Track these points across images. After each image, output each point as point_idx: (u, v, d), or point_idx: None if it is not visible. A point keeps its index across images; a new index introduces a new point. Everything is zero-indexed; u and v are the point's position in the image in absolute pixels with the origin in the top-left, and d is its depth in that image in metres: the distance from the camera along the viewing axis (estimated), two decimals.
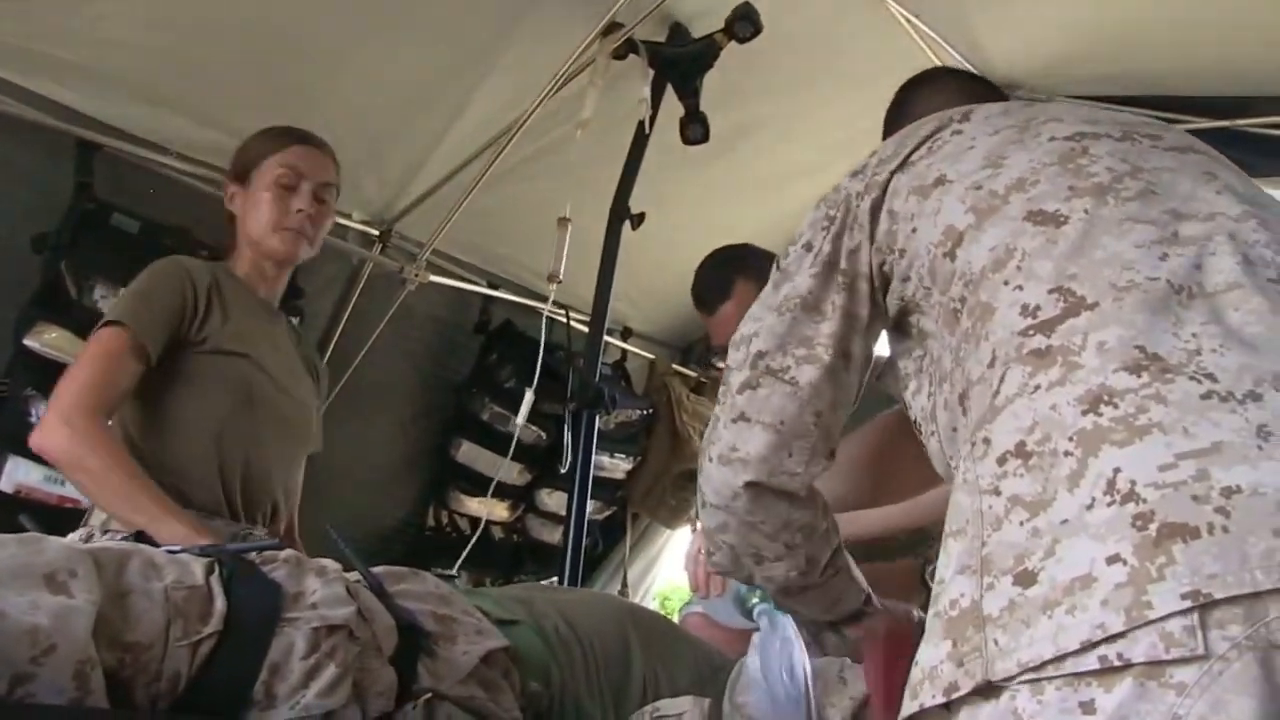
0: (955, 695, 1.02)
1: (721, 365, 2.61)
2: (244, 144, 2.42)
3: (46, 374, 2.76)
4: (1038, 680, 0.97)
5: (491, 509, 3.91)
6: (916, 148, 1.42)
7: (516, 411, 3.69)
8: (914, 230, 1.35)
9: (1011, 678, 0.98)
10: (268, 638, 1.26)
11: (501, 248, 3.82)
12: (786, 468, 1.43)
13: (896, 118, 1.88)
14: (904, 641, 1.78)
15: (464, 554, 3.33)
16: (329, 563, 1.45)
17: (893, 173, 1.41)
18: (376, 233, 3.49)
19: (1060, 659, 0.96)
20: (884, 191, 1.41)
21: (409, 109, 3.15)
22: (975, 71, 3.30)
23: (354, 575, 1.49)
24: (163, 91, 2.81)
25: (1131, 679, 0.94)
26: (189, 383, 2.21)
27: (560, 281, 3.22)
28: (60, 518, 2.74)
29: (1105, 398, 1.05)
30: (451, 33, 2.92)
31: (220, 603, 1.24)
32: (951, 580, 1.10)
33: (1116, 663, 0.94)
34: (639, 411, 4.20)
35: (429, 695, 1.40)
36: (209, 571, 1.28)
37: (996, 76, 3.58)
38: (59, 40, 2.56)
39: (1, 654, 1.02)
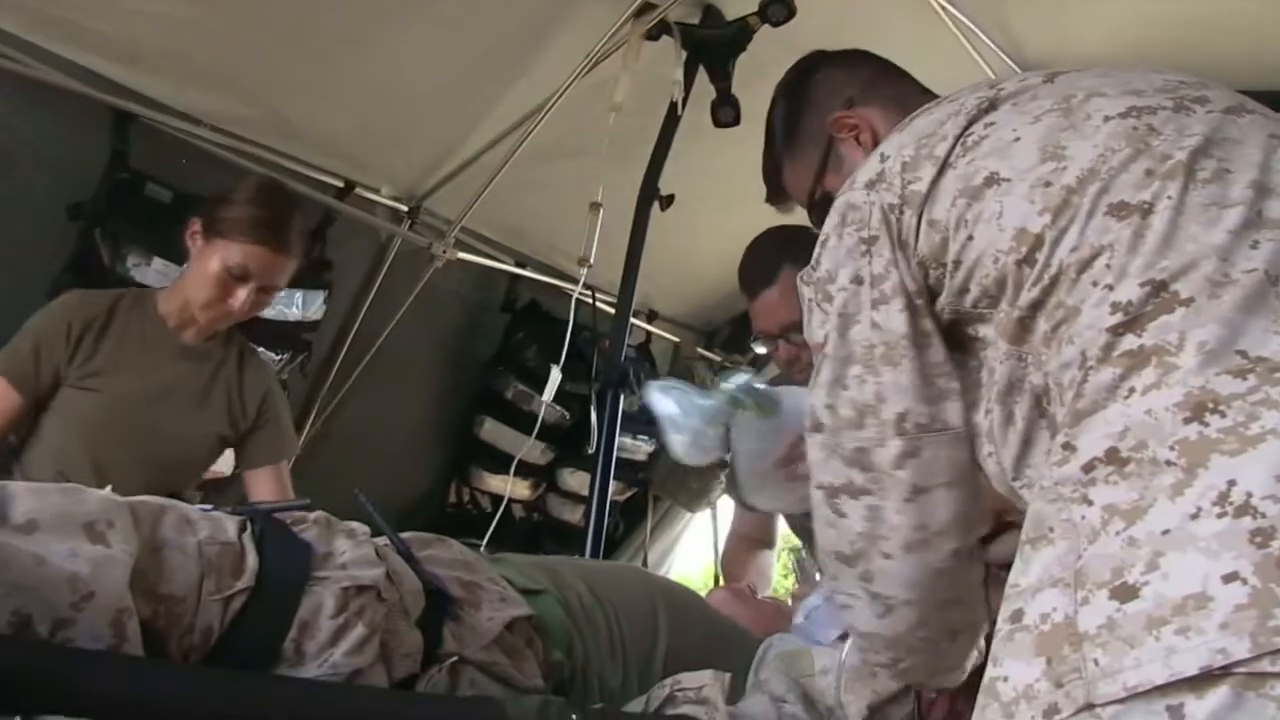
0: (1056, 718, 0.96)
1: (761, 350, 2.61)
2: (229, 198, 2.43)
3: None
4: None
5: (513, 487, 3.93)
6: (952, 148, 1.31)
7: (540, 390, 3.71)
8: (970, 238, 1.25)
9: (1116, 701, 0.93)
10: (298, 595, 1.28)
11: (529, 227, 3.83)
12: (974, 514, 1.35)
13: (804, 93, 1.74)
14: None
15: (489, 532, 3.33)
16: (358, 525, 1.47)
17: (934, 180, 1.30)
18: (405, 209, 3.51)
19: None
20: (923, 201, 1.30)
21: (441, 89, 3.16)
22: (1009, 62, 3.30)
23: (382, 540, 1.51)
24: (198, 64, 2.83)
25: (1228, 687, 0.89)
26: (49, 417, 2.39)
27: (590, 265, 3.22)
28: None
29: (1210, 404, 0.99)
30: (486, 13, 2.93)
31: (252, 559, 1.26)
32: (1039, 592, 1.04)
33: (1215, 669, 0.89)
34: None
35: (454, 659, 1.42)
36: (241, 529, 1.30)
37: (1030, 68, 3.58)
38: (96, 11, 2.58)
39: (43, 599, 1.04)
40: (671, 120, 3.15)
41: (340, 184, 3.33)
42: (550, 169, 3.47)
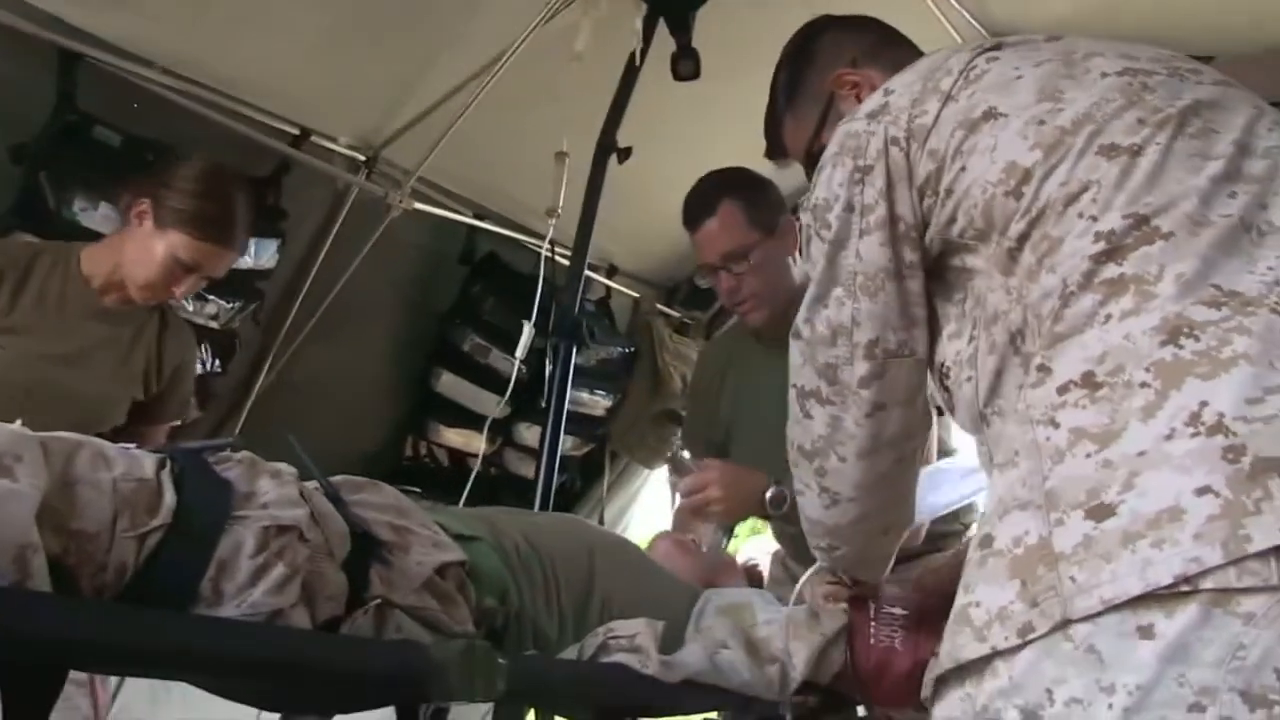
0: (1031, 636, 1.01)
1: (703, 284, 2.63)
2: (178, 184, 2.42)
3: None
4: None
5: (469, 441, 3.92)
6: (955, 80, 1.36)
7: (498, 343, 3.70)
8: (963, 169, 1.31)
9: (1093, 615, 0.97)
10: (216, 534, 1.26)
11: (489, 179, 3.79)
12: (921, 428, 1.48)
13: (809, 52, 1.79)
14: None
15: (466, 490, 3.30)
16: (284, 466, 1.45)
17: (938, 113, 1.34)
18: (363, 158, 3.46)
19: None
20: (926, 133, 1.34)
21: (397, 33, 3.11)
22: (975, 24, 3.28)
23: (313, 484, 1.49)
24: (149, 4, 2.77)
25: (1197, 604, 0.92)
26: None
27: (559, 216, 3.20)
28: None
29: (1185, 329, 1.04)
30: None
31: (170, 497, 1.24)
32: (1006, 516, 1.09)
33: (1184, 588, 0.93)
34: (620, 349, 4.20)
35: (379, 602, 1.41)
36: (160, 467, 1.28)
37: (997, 30, 3.55)
38: None
39: None
40: (630, 72, 3.12)
41: (296, 131, 3.28)
42: (510, 119, 3.43)
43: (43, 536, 1.10)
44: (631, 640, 1.62)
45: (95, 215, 2.77)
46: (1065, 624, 0.98)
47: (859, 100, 1.62)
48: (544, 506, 2.84)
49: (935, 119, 1.34)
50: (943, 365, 1.41)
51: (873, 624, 1.80)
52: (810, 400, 1.47)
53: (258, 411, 3.51)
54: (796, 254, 2.56)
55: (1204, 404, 0.99)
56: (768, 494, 2.22)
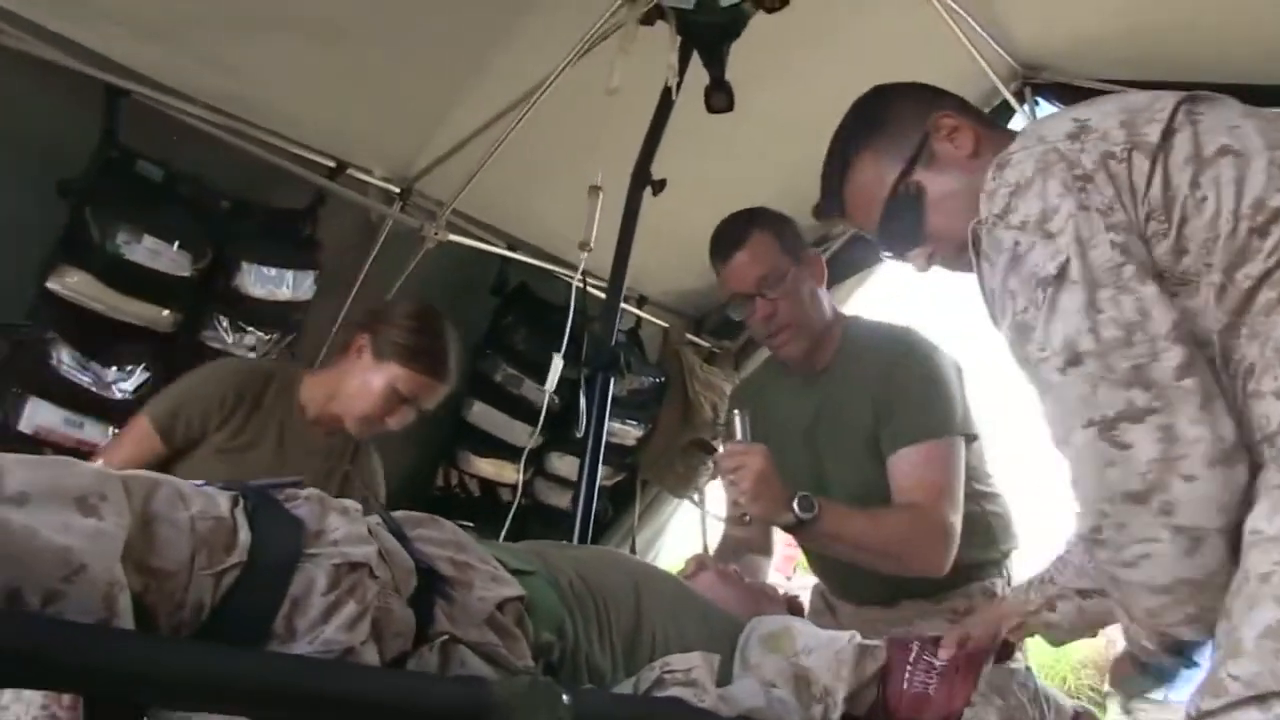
0: None
1: (735, 317, 2.63)
2: (396, 318, 2.57)
3: (68, 317, 2.81)
4: None
5: (501, 470, 3.93)
6: (1173, 117, 1.33)
7: (530, 373, 3.71)
8: (1204, 199, 1.26)
9: None
10: (290, 571, 1.27)
11: (521, 210, 3.82)
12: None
13: (896, 94, 1.79)
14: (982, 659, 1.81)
15: (508, 520, 3.31)
16: (351, 503, 1.46)
17: (1163, 136, 1.30)
18: (397, 190, 3.50)
19: None
20: (1158, 151, 1.30)
21: (433, 66, 3.15)
22: (999, 49, 3.30)
23: (375, 519, 1.50)
24: (190, 40, 2.82)
25: None
26: (181, 469, 2.40)
27: (591, 250, 3.22)
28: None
29: None
30: None
31: (245, 535, 1.25)
32: None
33: None
34: (651, 379, 4.21)
35: (445, 638, 1.41)
36: (234, 504, 1.30)
37: (1020, 55, 3.59)
38: None
39: (33, 572, 1.04)
40: (665, 105, 3.14)
41: (332, 164, 3.32)
42: (543, 152, 3.47)
43: (126, 574, 1.12)
44: (688, 674, 1.63)
45: (139, 249, 2.82)
46: None
47: (954, 145, 1.63)
48: (582, 537, 2.85)
49: (1162, 140, 1.29)
50: None
51: (909, 668, 1.79)
52: (1121, 425, 1.21)
53: None
54: (823, 289, 2.58)
55: None
56: (797, 497, 2.23)
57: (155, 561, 1.18)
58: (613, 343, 3.07)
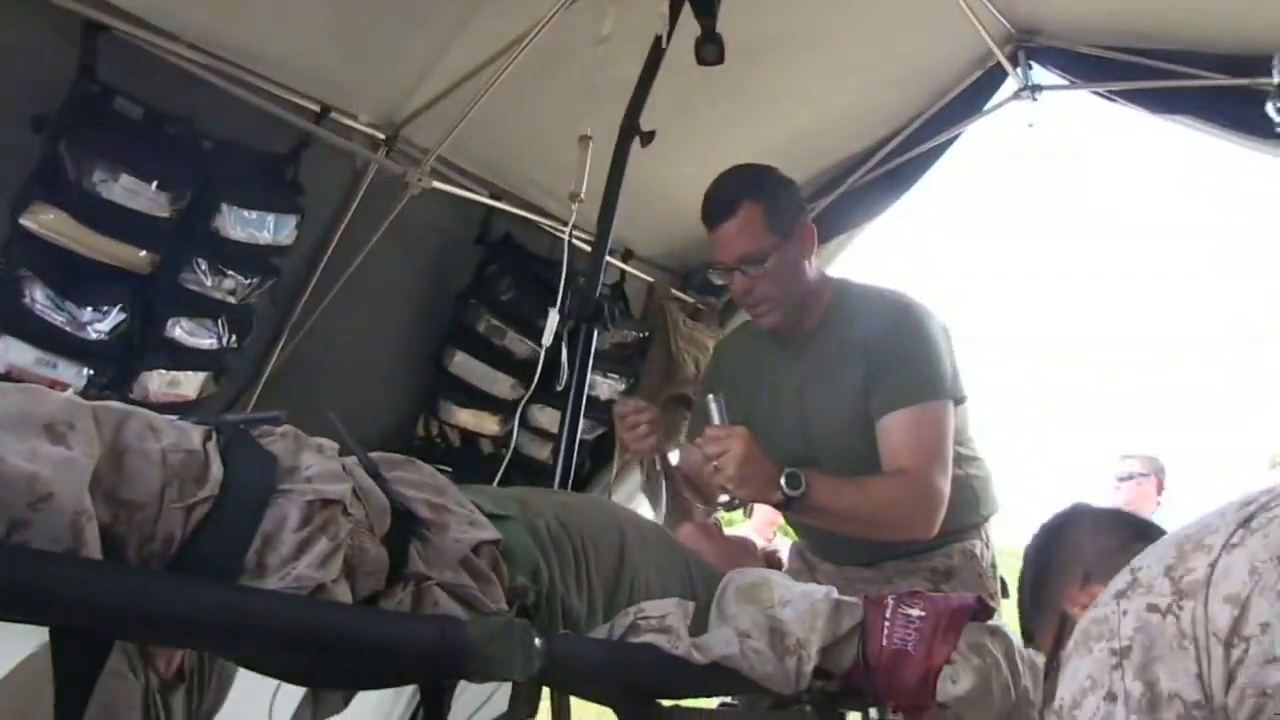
0: None
1: (717, 280, 2.61)
2: None
3: (42, 255, 2.76)
4: None
5: (482, 422, 3.92)
6: (1233, 531, 1.22)
7: (513, 325, 3.70)
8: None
9: None
10: (262, 506, 1.26)
11: (508, 160, 3.79)
12: None
13: (1048, 558, 1.72)
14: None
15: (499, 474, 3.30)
16: (326, 441, 1.45)
17: (1218, 560, 1.19)
18: (383, 136, 3.46)
19: None
20: (1205, 585, 1.19)
21: (421, 10, 3.10)
22: (999, 16, 3.28)
23: (351, 459, 1.49)
24: None
25: None
26: None
27: (582, 201, 3.19)
28: None
29: None
30: None
31: (216, 469, 1.24)
32: None
33: None
34: (635, 334, 4.20)
35: (419, 580, 1.41)
36: (206, 438, 1.28)
37: (1016, 19, 3.57)
38: None
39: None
40: (656, 55, 3.11)
41: (317, 108, 3.27)
42: (531, 101, 3.43)
43: (94, 505, 1.10)
44: (662, 621, 1.63)
45: (116, 188, 2.76)
46: None
47: None
48: (562, 487, 2.84)
49: (1210, 569, 1.18)
50: None
51: (887, 624, 1.79)
52: None
53: (272, 388, 3.51)
54: (812, 258, 2.56)
55: None
56: (783, 475, 2.22)
57: (125, 493, 1.16)
58: (597, 295, 3.05)
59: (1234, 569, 1.16)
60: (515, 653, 1.37)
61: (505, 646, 1.36)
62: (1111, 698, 1.18)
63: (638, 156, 3.18)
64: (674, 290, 4.52)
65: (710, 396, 2.34)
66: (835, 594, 1.85)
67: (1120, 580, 1.27)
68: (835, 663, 1.79)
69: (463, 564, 1.49)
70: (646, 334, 4.26)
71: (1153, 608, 1.19)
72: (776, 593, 1.86)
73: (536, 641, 1.40)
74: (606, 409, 4.24)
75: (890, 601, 1.83)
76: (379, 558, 1.37)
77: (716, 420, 2.29)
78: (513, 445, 3.75)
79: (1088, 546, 1.67)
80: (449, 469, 2.91)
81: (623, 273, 4.34)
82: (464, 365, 3.84)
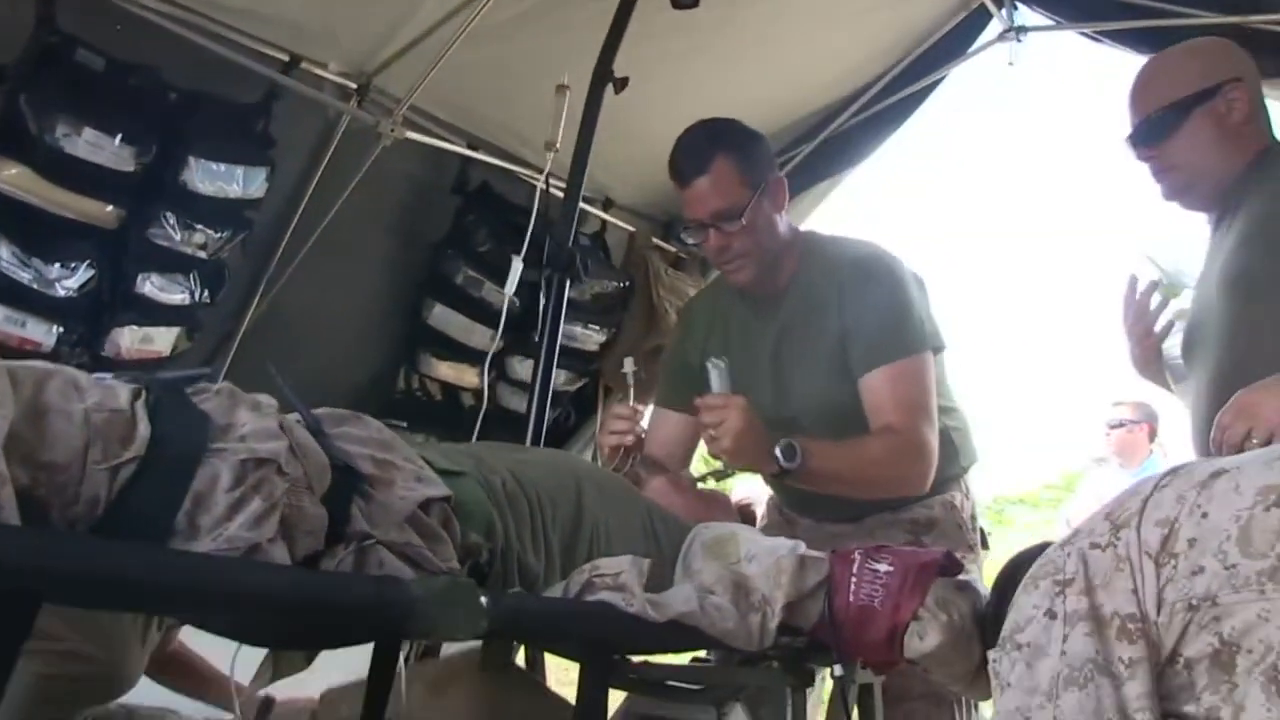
0: None
1: (690, 240, 2.58)
2: None
3: (6, 212, 2.72)
4: None
5: (462, 375, 3.89)
6: (1157, 485, 1.36)
7: (491, 276, 3.66)
8: (1204, 515, 1.28)
9: None
10: (192, 466, 1.23)
11: (483, 109, 3.72)
12: None
13: None
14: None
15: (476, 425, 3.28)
16: (265, 398, 1.41)
17: (1144, 500, 1.34)
18: (354, 86, 3.40)
19: None
20: (1138, 516, 1.33)
21: None
22: None
23: (294, 416, 1.46)
24: None
25: None
26: None
27: (557, 150, 3.14)
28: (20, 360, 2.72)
29: None
30: None
31: (144, 428, 1.21)
32: None
33: None
34: (615, 284, 4.16)
35: (360, 537, 1.38)
36: (135, 397, 1.25)
37: None
38: None
39: None
40: (628, 1, 3.05)
41: (285, 58, 3.21)
42: (505, 49, 3.38)
43: (10, 468, 1.08)
44: (616, 578, 1.60)
45: (79, 141, 2.72)
46: None
47: None
48: (535, 441, 2.82)
49: (1146, 503, 1.31)
50: None
51: (853, 579, 1.77)
52: None
53: (249, 343, 3.48)
54: (783, 212, 2.52)
55: None
56: (779, 445, 2.20)
57: (45, 455, 1.13)
58: (570, 244, 3.01)
59: (1164, 501, 1.29)
60: (459, 612, 1.34)
61: (448, 606, 1.33)
62: (1051, 615, 1.31)
63: (616, 104, 3.13)
64: (656, 239, 4.48)
65: (711, 362, 2.31)
66: (802, 548, 1.82)
67: (1063, 536, 1.39)
68: (802, 618, 1.77)
69: (410, 521, 1.46)
70: (627, 284, 4.21)
71: (1094, 545, 1.32)
72: (742, 548, 1.84)
73: (482, 600, 1.37)
74: (588, 360, 4.22)
75: (857, 556, 1.81)
76: (317, 516, 1.34)
77: (716, 388, 2.27)
78: (485, 398, 3.70)
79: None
80: (404, 423, 2.89)
81: (603, 222, 4.29)
82: (442, 317, 3.80)
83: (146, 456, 1.20)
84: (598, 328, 4.12)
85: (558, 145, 3.15)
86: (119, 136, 2.77)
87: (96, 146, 2.72)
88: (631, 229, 4.43)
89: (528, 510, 1.71)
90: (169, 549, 1.18)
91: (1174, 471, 1.35)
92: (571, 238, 3.08)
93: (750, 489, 2.87)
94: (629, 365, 2.36)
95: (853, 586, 1.77)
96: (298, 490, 1.32)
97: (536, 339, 3.02)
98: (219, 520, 1.23)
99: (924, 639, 1.73)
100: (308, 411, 1.47)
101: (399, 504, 1.45)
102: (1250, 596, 1.19)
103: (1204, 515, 1.26)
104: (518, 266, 3.27)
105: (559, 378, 3.94)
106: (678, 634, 1.64)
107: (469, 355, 3.83)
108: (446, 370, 3.90)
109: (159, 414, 1.25)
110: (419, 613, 1.31)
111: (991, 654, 1.39)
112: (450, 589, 1.35)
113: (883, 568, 1.79)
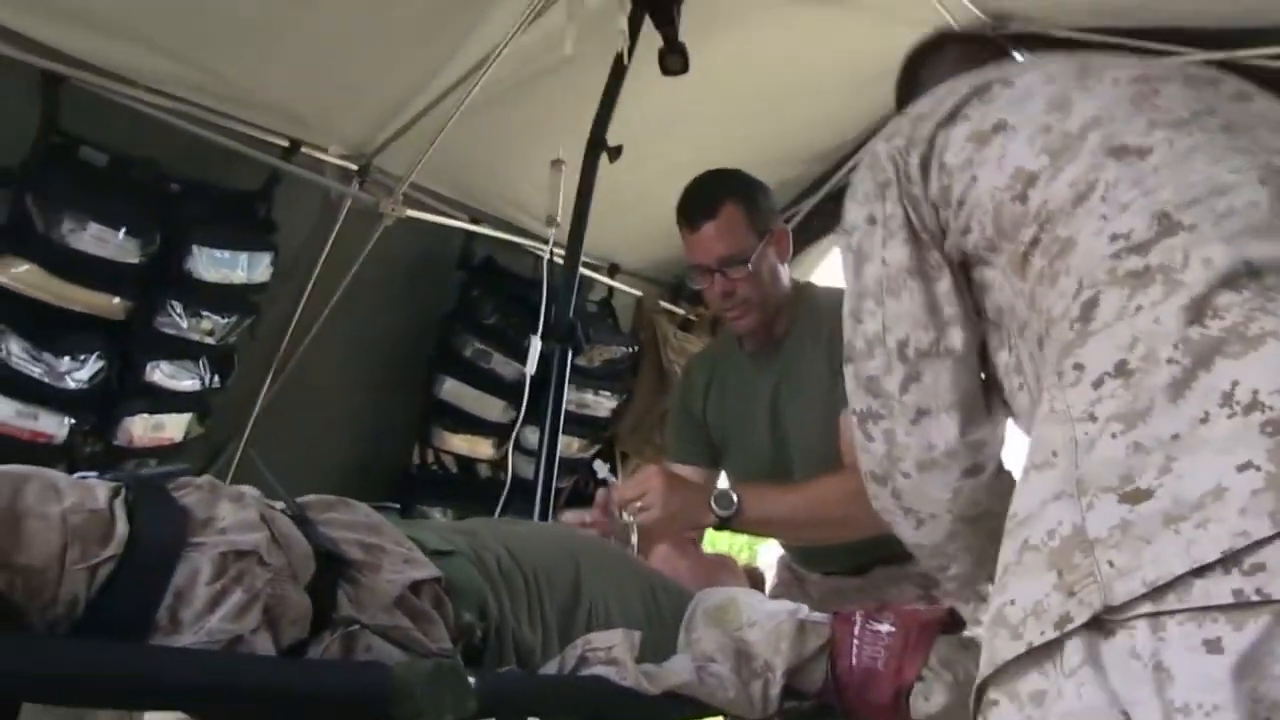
0: (1069, 628, 0.96)
1: (696, 286, 2.60)
2: None
3: (16, 308, 2.77)
4: (1157, 615, 0.91)
5: (475, 447, 3.90)
6: (964, 102, 1.39)
7: (500, 347, 3.69)
8: (974, 178, 1.33)
9: (1134, 601, 0.92)
10: (171, 562, 1.24)
11: (483, 183, 3.77)
12: (981, 437, 1.42)
13: (910, 86, 1.81)
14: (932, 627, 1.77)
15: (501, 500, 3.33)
16: (247, 489, 1.43)
17: (938, 126, 1.39)
18: (355, 167, 3.45)
19: (1187, 582, 0.90)
20: (930, 146, 1.39)
21: (385, 41, 3.09)
22: (976, 10, 3.24)
23: (279, 505, 1.47)
24: (129, 24, 2.75)
25: (1270, 616, 0.87)
26: None
27: (558, 225, 3.18)
28: (33, 453, 2.75)
29: (1210, 310, 1.03)
30: None
31: (122, 526, 1.22)
32: (1041, 510, 1.05)
33: (1254, 598, 0.88)
34: (624, 348, 4.17)
35: (346, 623, 1.38)
36: (113, 495, 1.26)
37: (988, 8, 3.52)
38: None
39: None
40: (618, 70, 3.10)
41: (285, 143, 3.26)
42: (501, 123, 3.42)
43: None
44: (609, 652, 1.60)
45: (84, 237, 2.77)
46: (1104, 611, 0.94)
47: None
48: (544, 511, 2.82)
49: (935, 132, 1.38)
50: (996, 378, 1.41)
51: (855, 641, 1.76)
52: (868, 422, 1.46)
53: (262, 425, 3.50)
54: (786, 262, 2.54)
55: (1235, 383, 0.97)
56: (713, 495, 2.21)
57: (21, 558, 1.15)
58: (570, 314, 3.04)
59: (955, 139, 1.38)
60: (446, 694, 1.34)
61: (434, 688, 1.33)
62: (872, 221, 1.43)
63: (617, 171, 3.17)
64: (663, 302, 4.50)
65: (595, 464, 2.44)
66: (803, 612, 1.81)
67: (892, 124, 1.51)
68: (806, 682, 1.76)
69: (399, 604, 1.46)
70: (636, 348, 4.23)
71: (899, 150, 1.44)
72: (743, 614, 1.83)
73: (470, 680, 1.37)
74: (601, 426, 4.23)
75: (858, 618, 1.80)
76: (301, 604, 1.34)
77: (613, 479, 2.30)
78: (510, 469, 3.72)
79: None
80: (396, 505, 2.90)
81: (610, 288, 4.32)
82: (455, 391, 3.81)
83: (124, 555, 1.21)
84: (609, 393, 4.13)
85: (559, 220, 3.19)
86: (123, 230, 2.82)
87: (102, 240, 2.77)
88: (639, 293, 4.45)
89: (523, 585, 1.71)
90: (142, 645, 1.19)
91: None
92: (573, 307, 3.10)
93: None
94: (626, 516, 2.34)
95: (855, 649, 1.76)
96: (281, 579, 1.33)
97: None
98: (200, 614, 1.23)
99: (929, 699, 1.71)
100: (291, 499, 1.48)
101: (386, 587, 1.46)
102: None
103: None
104: (536, 345, 3.28)
105: (572, 445, 3.96)
106: (674, 706, 1.63)
107: (482, 427, 3.85)
108: (460, 443, 3.91)
109: (138, 511, 1.26)
110: (404, 696, 1.31)
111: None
112: (435, 671, 1.35)
113: (884, 628, 1.78)
